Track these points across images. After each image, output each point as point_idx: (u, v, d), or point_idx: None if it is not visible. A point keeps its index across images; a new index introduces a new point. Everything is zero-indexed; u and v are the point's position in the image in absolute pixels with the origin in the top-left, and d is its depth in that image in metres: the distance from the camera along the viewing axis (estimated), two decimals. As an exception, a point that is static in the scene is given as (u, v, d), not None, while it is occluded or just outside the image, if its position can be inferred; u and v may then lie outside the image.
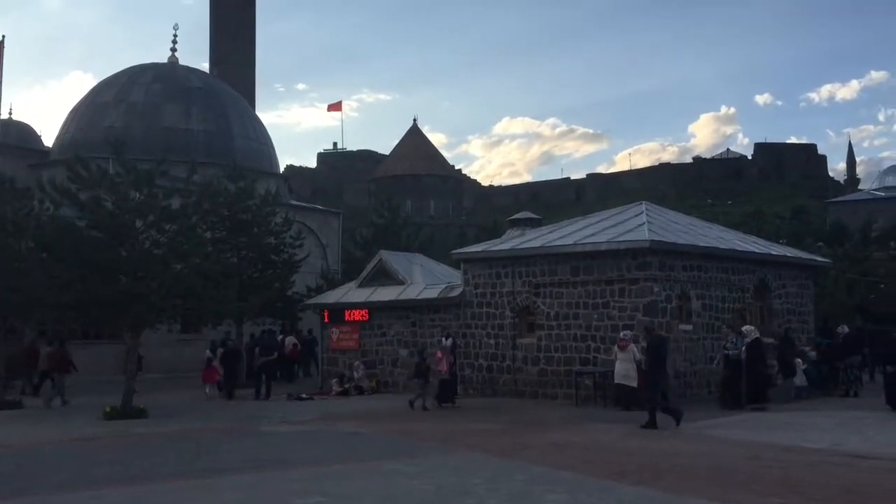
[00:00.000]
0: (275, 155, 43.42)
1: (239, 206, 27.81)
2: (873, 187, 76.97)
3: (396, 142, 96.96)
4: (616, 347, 17.94)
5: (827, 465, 10.62)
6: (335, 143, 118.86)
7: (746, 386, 17.83)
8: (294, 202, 42.09)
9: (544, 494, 8.80)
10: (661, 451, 11.72)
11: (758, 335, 18.46)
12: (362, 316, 24.38)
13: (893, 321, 29.59)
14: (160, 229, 19.05)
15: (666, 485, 9.22)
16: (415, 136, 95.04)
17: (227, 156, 35.11)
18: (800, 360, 20.44)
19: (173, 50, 42.26)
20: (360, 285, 25.50)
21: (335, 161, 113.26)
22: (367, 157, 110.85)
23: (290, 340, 28.78)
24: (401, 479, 9.93)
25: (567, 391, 19.70)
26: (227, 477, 10.21)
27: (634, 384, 17.43)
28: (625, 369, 17.55)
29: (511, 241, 23.22)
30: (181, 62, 42.50)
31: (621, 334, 18.02)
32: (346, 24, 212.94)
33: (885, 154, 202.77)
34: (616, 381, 17.84)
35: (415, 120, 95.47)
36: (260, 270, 28.36)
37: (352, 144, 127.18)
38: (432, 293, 23.28)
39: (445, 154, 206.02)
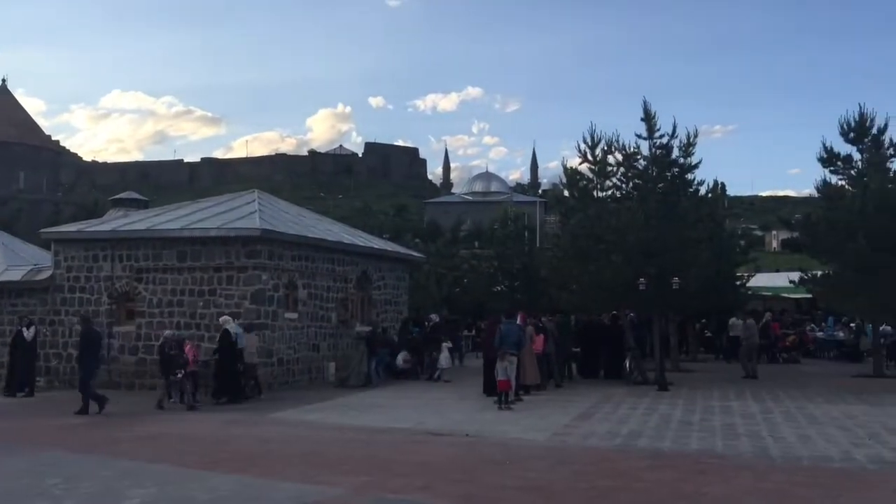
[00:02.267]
0: None
1: None
2: (464, 191, 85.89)
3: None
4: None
5: (410, 443, 11.58)
6: None
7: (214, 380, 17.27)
8: None
9: (130, 489, 8.34)
10: (257, 438, 11.82)
11: (230, 327, 17.25)
12: None
13: (473, 311, 33.38)
14: None
15: (259, 471, 9.31)
16: (3, 99, 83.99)
17: None
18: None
19: None
20: (-79, 264, 21.85)
21: None
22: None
23: None
24: (-41, 485, 8.69)
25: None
26: None
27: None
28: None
29: (113, 223, 21.74)
30: None
31: (221, 319, 17.77)
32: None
33: (476, 162, 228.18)
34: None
35: (3, 80, 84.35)
36: None
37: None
38: (15, 275, 20.86)
39: (42, 122, 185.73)
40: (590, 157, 20.90)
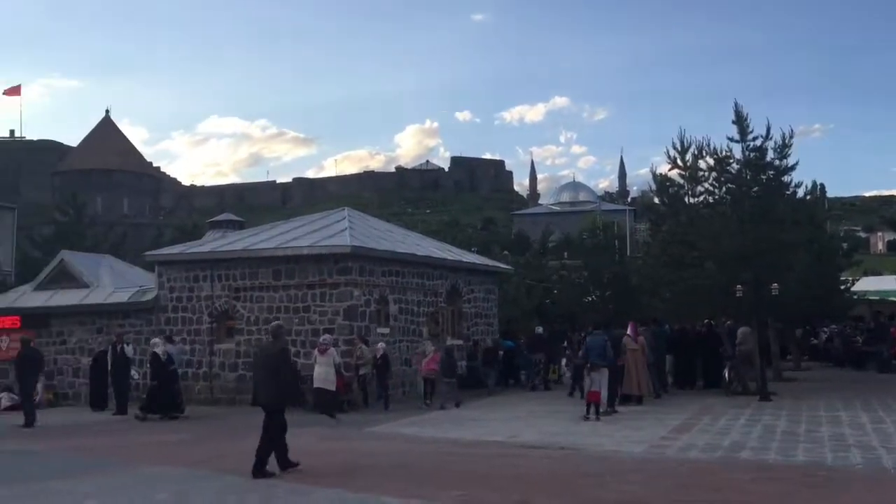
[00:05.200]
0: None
1: None
2: (551, 202, 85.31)
3: (87, 133, 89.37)
4: (316, 351, 18.04)
5: (504, 457, 11.55)
6: (12, 131, 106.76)
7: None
8: (-43, 194, 37.05)
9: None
10: (353, 452, 11.99)
11: (159, 350, 18.11)
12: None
13: (563, 322, 33.02)
14: None
15: (358, 485, 9.43)
16: (107, 128, 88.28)
17: None
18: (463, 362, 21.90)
19: None
20: (37, 288, 23.16)
21: (12, 150, 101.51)
22: (50, 147, 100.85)
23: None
24: (77, 499, 9.12)
25: (266, 397, 19.40)
26: None
27: (333, 388, 17.66)
28: (324, 373, 17.69)
29: (211, 244, 22.51)
30: None
31: (321, 338, 18.17)
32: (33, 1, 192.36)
33: (564, 172, 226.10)
34: (315, 385, 17.90)
35: (107, 111, 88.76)
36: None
37: (33, 133, 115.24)
38: (122, 297, 21.82)
39: (145, 150, 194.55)
40: (680, 162, 20.47)
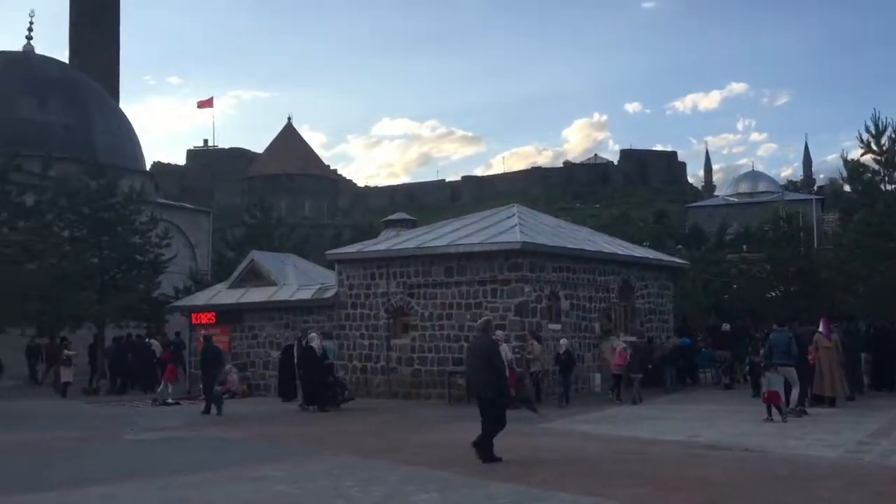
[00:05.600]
0: (140, 151, 41.69)
1: (100, 203, 26.49)
2: (728, 193, 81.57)
3: (271, 141, 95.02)
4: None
5: (684, 457, 11.16)
6: (206, 140, 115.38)
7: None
8: (161, 200, 40.48)
9: (416, 494, 8.83)
10: (529, 448, 12.00)
11: (315, 344, 19.00)
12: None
13: (743, 318, 31.47)
14: (13, 227, 17.89)
15: (535, 480, 9.44)
16: (290, 135, 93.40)
17: (88, 151, 33.45)
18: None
19: (29, 38, 39.97)
20: (231, 286, 24.87)
21: (206, 159, 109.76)
22: (240, 155, 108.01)
23: (155, 344, 27.67)
24: (271, 484, 9.72)
25: (440, 391, 19.88)
26: (84, 488, 9.68)
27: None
28: (496, 368, 17.87)
29: (386, 242, 23.25)
30: (38, 51, 40.18)
31: (308, 336, 18.42)
32: (223, 18, 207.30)
33: (742, 161, 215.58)
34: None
35: (289, 118, 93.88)
36: (123, 271, 27.13)
37: (225, 142, 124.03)
38: (306, 294, 22.98)
39: (324, 154, 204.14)
40: (874, 146, 19.04)
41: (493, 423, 10.58)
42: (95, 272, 24.99)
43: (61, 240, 21.16)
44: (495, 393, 10.67)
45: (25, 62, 38.43)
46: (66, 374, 24.51)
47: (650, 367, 21.19)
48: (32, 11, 54.20)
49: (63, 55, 48.47)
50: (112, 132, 38.70)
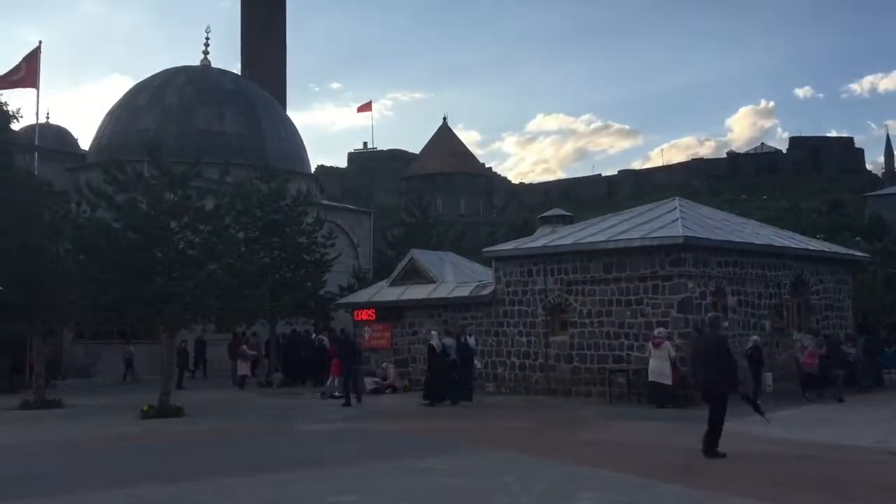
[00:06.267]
0: (306, 155, 43.71)
1: (271, 206, 28.02)
2: (913, 180, 75.35)
3: (427, 141, 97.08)
4: (650, 345, 17.81)
5: (868, 464, 10.42)
6: (365, 143, 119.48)
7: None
8: (325, 202, 42.29)
9: (578, 492, 8.74)
10: (696, 449, 11.58)
11: (434, 342, 19.91)
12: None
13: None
14: (195, 230, 19.23)
15: (704, 483, 9.11)
16: (445, 135, 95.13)
17: (260, 157, 35.41)
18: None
19: (206, 52, 42.80)
20: (392, 284, 25.57)
21: (366, 160, 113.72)
22: (398, 156, 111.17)
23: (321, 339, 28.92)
24: (435, 476, 9.93)
25: (600, 389, 19.57)
26: (262, 475, 10.29)
27: (669, 382, 17.32)
28: (659, 367, 17.43)
29: (543, 239, 23.14)
30: (214, 64, 43.01)
31: (655, 331, 17.89)
32: (380, 23, 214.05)
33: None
34: (650, 379, 17.70)
35: (444, 118, 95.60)
36: (292, 270, 28.54)
37: (383, 144, 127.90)
38: (464, 291, 23.26)
39: (479, 152, 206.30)
40: None
41: (719, 415, 10.80)
42: (267, 271, 26.42)
43: (237, 241, 22.51)
44: (716, 387, 10.87)
45: (204, 75, 41.23)
46: (243, 368, 26.16)
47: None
48: (208, 27, 58.24)
49: (236, 67, 51.72)
50: (281, 139, 40.84)
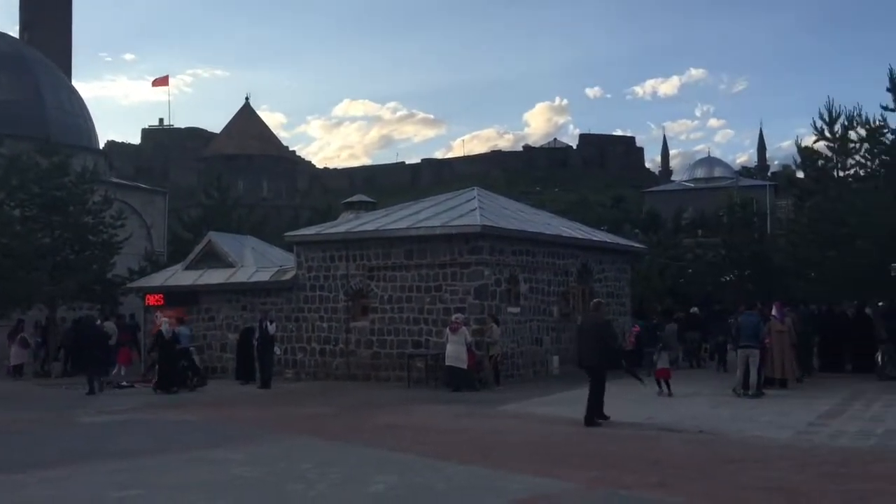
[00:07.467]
0: (94, 129, 40.74)
1: (52, 182, 25.86)
2: (684, 178, 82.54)
3: (229, 120, 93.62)
4: (448, 330, 18.30)
5: (637, 440, 11.33)
6: (161, 119, 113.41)
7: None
8: (115, 180, 39.64)
9: (374, 475, 8.84)
10: (487, 430, 12.09)
11: (164, 329, 20.14)
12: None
13: (698, 302, 31.99)
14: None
15: (491, 462, 9.52)
16: (248, 115, 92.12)
17: (39, 128, 32.54)
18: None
19: (-24, 10, 38.70)
20: (188, 268, 24.53)
21: (162, 138, 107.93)
22: (196, 134, 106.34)
23: (110, 326, 27.19)
24: (228, 466, 9.65)
25: (400, 374, 19.89)
26: (36, 471, 9.52)
27: (465, 366, 17.89)
28: (455, 351, 17.96)
29: (345, 225, 23.11)
30: (-14, 25, 38.99)
31: (453, 317, 18.41)
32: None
33: (699, 147, 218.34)
34: (447, 363, 18.20)
35: (247, 98, 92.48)
36: (76, 252, 26.55)
37: (181, 121, 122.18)
38: (264, 276, 22.78)
39: (284, 134, 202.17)
40: (828, 133, 19.42)
41: (598, 386, 12.38)
42: (47, 252, 24.46)
43: (12, 219, 20.62)
44: (602, 362, 12.53)
45: (-28, 36, 37.31)
46: (18, 356, 24.06)
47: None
48: (-20, -16, 52.52)
49: (14, 30, 47.20)
50: (65, 110, 37.75)
